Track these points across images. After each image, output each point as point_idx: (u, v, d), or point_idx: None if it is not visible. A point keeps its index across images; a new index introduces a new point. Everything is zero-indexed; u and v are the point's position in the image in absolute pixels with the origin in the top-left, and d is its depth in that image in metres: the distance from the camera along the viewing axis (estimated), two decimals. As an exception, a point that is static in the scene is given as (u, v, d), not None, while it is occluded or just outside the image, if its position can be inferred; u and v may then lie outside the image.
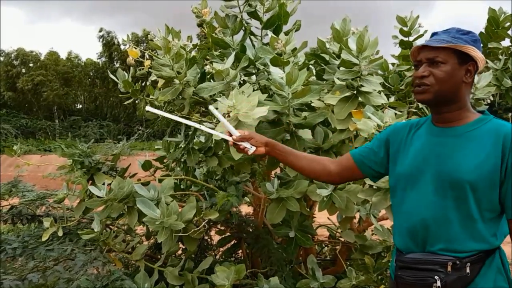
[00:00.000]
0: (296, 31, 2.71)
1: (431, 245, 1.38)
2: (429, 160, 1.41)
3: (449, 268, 1.32)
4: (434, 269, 1.34)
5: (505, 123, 1.37)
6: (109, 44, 37.93)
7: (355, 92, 2.27)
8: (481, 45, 1.44)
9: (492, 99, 2.68)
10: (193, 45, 2.86)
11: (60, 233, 2.67)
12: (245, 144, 1.63)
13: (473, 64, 1.39)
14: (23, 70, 39.92)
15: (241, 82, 2.56)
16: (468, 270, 1.32)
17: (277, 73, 2.15)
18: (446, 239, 1.35)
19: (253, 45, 2.68)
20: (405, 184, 1.46)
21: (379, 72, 2.68)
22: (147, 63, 2.65)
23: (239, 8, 2.62)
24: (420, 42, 2.84)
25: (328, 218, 3.14)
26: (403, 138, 1.53)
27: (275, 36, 2.29)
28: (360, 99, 2.25)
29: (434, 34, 1.44)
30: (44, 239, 2.62)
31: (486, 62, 2.94)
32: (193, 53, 2.85)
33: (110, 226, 3.07)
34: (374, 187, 2.08)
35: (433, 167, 1.39)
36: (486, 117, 1.41)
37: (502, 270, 1.37)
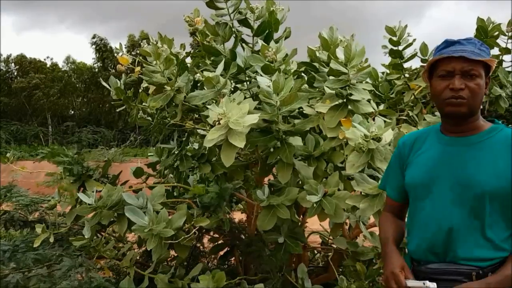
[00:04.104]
0: (286, 38, 2.74)
1: (452, 255, 1.37)
2: (443, 169, 1.41)
3: (473, 278, 1.32)
4: (458, 280, 1.33)
5: None
6: (102, 51, 37.88)
7: (344, 100, 2.30)
8: None
9: (482, 106, 2.72)
10: (186, 53, 2.88)
11: (52, 239, 2.66)
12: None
13: (489, 76, 1.42)
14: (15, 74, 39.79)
15: (232, 89, 2.57)
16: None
17: (264, 82, 2.17)
18: (467, 248, 1.35)
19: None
20: (417, 194, 1.47)
21: (368, 81, 2.71)
22: (137, 69, 2.66)
23: (230, 16, 2.64)
24: (409, 51, 2.89)
25: (320, 224, 3.15)
26: (411, 150, 1.54)
27: (265, 45, 2.31)
28: (349, 107, 2.28)
29: (455, 42, 1.40)
30: (36, 245, 2.60)
31: None
32: (187, 60, 2.87)
33: (101, 233, 3.06)
34: (362, 193, 2.10)
35: (450, 176, 1.39)
36: (497, 127, 1.42)
37: None
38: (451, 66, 1.36)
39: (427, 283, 1.29)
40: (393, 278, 1.38)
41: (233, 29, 2.66)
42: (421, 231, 1.45)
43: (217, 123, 1.99)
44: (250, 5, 2.60)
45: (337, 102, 2.32)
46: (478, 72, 1.35)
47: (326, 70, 2.36)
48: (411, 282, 1.33)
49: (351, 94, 2.28)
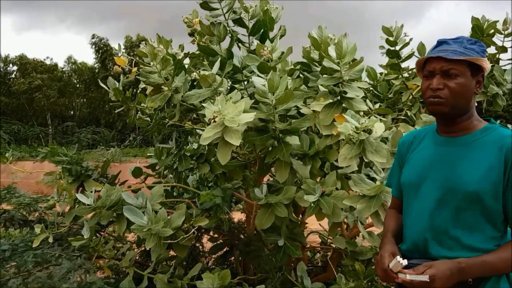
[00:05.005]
0: (281, 36, 2.75)
1: (432, 253, 1.39)
2: (433, 169, 1.42)
3: None
4: None
5: (510, 133, 1.36)
6: (101, 51, 37.82)
7: (338, 98, 2.30)
8: None
9: (479, 106, 2.72)
10: (185, 53, 2.88)
11: (51, 239, 2.67)
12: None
13: (483, 74, 1.40)
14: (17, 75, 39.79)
15: (228, 88, 2.58)
16: (470, 279, 1.32)
17: (259, 81, 2.18)
18: (447, 247, 1.36)
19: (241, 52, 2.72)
20: (409, 193, 1.49)
21: (368, 80, 2.71)
22: (134, 70, 2.67)
23: (224, 16, 2.65)
24: (406, 50, 2.89)
25: (319, 224, 3.16)
26: (409, 148, 1.56)
27: (261, 44, 2.32)
28: (344, 105, 2.28)
29: (442, 42, 1.42)
30: (35, 245, 2.62)
31: None
32: (186, 61, 2.88)
33: (101, 233, 3.07)
34: (359, 194, 2.10)
35: (438, 176, 1.40)
36: (492, 126, 1.41)
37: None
38: (431, 67, 1.38)
39: (398, 258, 1.34)
40: (379, 260, 1.43)
41: (228, 29, 2.67)
42: (408, 230, 1.48)
43: (212, 121, 2.00)
44: (244, 5, 2.60)
45: (331, 100, 2.32)
46: (460, 71, 1.34)
47: (319, 69, 2.37)
48: (391, 263, 1.38)
49: (345, 92, 2.28)
